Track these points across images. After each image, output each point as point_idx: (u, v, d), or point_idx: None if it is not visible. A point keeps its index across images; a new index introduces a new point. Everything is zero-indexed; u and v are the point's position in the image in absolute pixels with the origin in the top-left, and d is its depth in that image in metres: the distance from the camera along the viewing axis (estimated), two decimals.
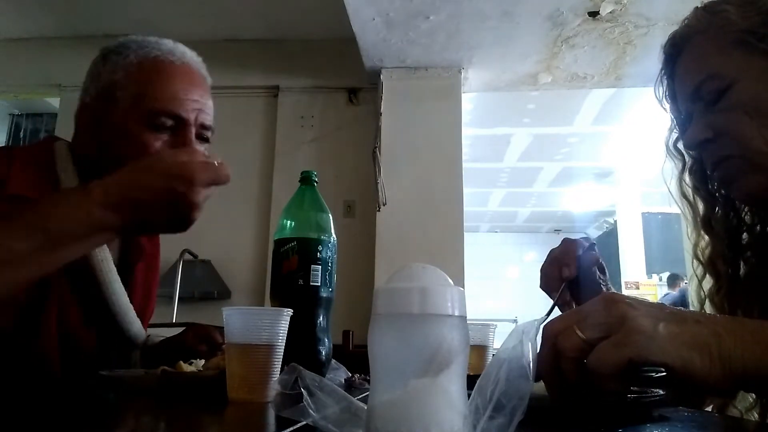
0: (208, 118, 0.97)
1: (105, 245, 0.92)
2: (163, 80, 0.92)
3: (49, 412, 0.57)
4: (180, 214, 0.75)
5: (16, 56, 3.67)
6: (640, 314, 0.48)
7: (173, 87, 0.92)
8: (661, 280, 6.81)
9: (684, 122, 0.82)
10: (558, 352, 0.49)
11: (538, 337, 0.50)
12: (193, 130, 0.93)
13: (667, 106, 0.85)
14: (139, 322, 1.03)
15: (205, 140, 0.97)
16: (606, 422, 0.53)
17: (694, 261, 0.85)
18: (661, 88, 0.85)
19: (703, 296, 0.83)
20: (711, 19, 0.76)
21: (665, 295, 6.32)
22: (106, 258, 0.93)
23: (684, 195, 0.87)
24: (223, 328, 1.02)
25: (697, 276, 0.85)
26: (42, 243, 0.66)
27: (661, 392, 0.63)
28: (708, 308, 0.82)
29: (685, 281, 5.01)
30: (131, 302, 1.00)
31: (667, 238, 7.01)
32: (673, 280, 6.16)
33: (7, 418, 0.52)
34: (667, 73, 0.83)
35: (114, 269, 0.95)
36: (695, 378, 0.46)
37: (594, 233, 8.93)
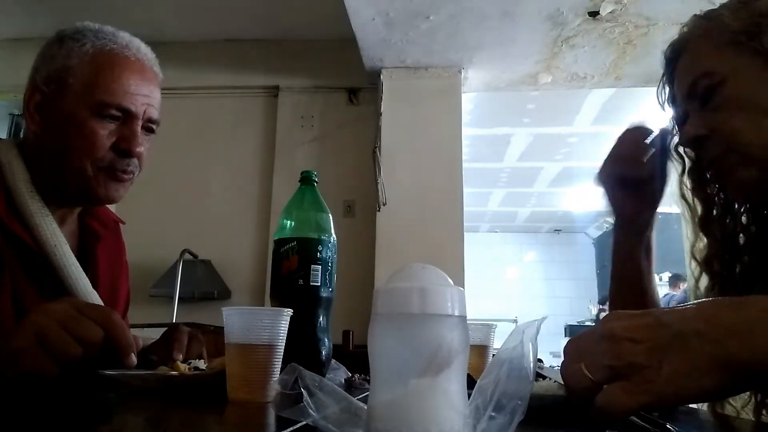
0: (155, 113, 1.01)
1: (58, 231, 0.94)
2: (117, 73, 0.95)
3: (49, 411, 0.57)
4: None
5: (16, 56, 3.67)
6: (644, 353, 0.49)
7: (125, 81, 0.96)
8: (661, 280, 6.79)
9: (682, 124, 0.83)
10: (568, 389, 0.52)
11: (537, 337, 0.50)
12: (140, 123, 0.98)
13: (669, 110, 0.88)
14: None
15: (151, 131, 1.03)
16: (606, 422, 0.53)
17: (692, 261, 0.87)
18: (663, 94, 0.88)
19: (699, 295, 0.85)
20: (707, 24, 0.79)
21: (665, 295, 6.32)
22: (59, 242, 0.94)
23: (683, 196, 0.89)
24: (205, 326, 1.01)
25: (694, 276, 0.87)
26: None
27: None
28: None
29: (686, 281, 5.01)
30: (96, 290, 0.99)
31: (667, 238, 6.96)
32: (674, 281, 6.16)
33: (6, 417, 0.52)
34: (668, 78, 0.86)
35: (70, 253, 0.96)
36: (709, 399, 0.48)
37: (594, 233, 8.93)
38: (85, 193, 0.97)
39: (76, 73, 0.95)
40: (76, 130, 0.93)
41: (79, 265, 0.97)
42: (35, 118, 0.97)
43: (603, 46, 3.02)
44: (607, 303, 0.99)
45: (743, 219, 0.84)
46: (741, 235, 0.83)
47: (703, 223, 0.86)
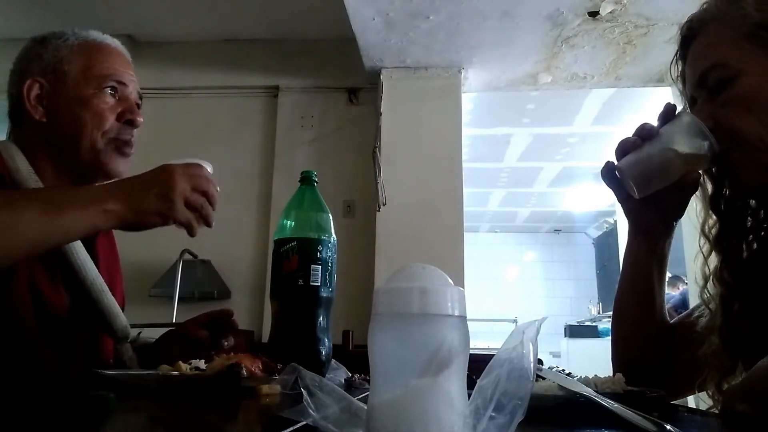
0: (138, 95, 1.13)
1: None
2: (105, 55, 1.08)
3: (48, 411, 0.57)
4: (162, 205, 0.85)
5: (15, 56, 3.67)
6: None
7: (113, 61, 1.09)
8: None
9: (690, 104, 0.81)
10: None
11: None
12: (134, 98, 1.10)
13: (680, 86, 0.85)
14: (111, 295, 1.05)
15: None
16: (607, 422, 0.53)
17: (701, 238, 0.83)
18: (676, 69, 0.85)
19: (708, 273, 0.82)
20: (728, 8, 0.76)
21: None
22: None
23: None
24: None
25: (703, 253, 0.83)
26: (44, 208, 0.76)
27: (661, 391, 0.63)
28: (711, 285, 0.81)
29: (686, 283, 5.00)
30: None
31: None
32: (674, 282, 6.14)
33: (5, 417, 0.52)
34: (681, 55, 0.83)
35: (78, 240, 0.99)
36: None
37: (594, 233, 8.93)
38: (98, 167, 1.05)
39: (70, 60, 1.05)
40: (85, 107, 1.03)
41: (84, 249, 1.01)
42: (38, 109, 1.03)
43: (603, 46, 3.02)
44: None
45: (752, 203, 0.81)
46: (749, 219, 0.81)
47: (714, 201, 0.83)
